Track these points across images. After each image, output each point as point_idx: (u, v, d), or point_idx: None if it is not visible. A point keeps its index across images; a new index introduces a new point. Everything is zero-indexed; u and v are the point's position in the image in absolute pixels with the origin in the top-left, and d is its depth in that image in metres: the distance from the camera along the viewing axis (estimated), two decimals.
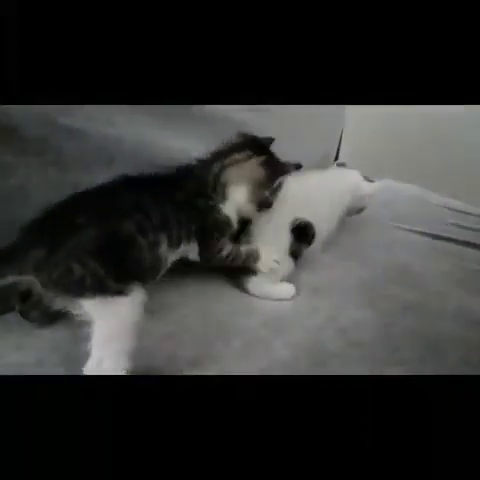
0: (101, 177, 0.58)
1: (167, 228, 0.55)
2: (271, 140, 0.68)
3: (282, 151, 0.90)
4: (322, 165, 1.12)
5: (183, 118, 0.73)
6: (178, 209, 0.56)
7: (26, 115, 0.56)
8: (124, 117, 0.65)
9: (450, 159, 1.75)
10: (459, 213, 1.15)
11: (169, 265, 0.58)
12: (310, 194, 0.75)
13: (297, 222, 0.70)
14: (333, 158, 1.33)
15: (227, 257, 0.62)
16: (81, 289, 0.45)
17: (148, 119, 0.69)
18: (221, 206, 0.61)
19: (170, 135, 0.72)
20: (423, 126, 1.81)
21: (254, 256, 0.66)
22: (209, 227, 0.60)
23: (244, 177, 0.61)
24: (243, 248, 0.66)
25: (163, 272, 0.57)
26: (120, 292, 0.46)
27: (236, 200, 0.62)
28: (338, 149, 1.42)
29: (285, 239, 0.71)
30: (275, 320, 0.66)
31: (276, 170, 0.63)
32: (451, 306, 0.73)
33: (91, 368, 0.45)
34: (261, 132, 0.84)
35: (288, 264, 0.72)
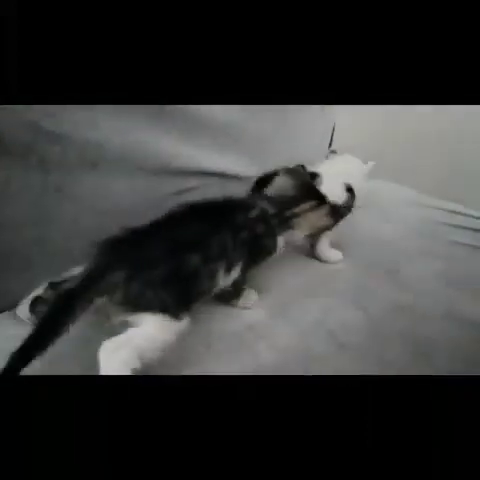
0: (85, 181, 0.57)
1: (225, 255, 0.58)
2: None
3: (273, 149, 0.90)
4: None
5: (171, 119, 0.71)
6: (236, 232, 0.59)
7: (9, 119, 0.54)
8: (109, 120, 0.63)
9: (444, 161, 1.76)
10: (449, 213, 1.14)
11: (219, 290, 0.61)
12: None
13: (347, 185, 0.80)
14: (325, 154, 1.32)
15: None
16: (148, 307, 0.50)
17: (135, 121, 0.66)
18: (278, 238, 0.66)
19: (159, 137, 0.70)
20: (415, 127, 1.82)
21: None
22: (261, 252, 0.65)
23: (311, 226, 0.70)
24: None
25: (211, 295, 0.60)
26: (177, 316, 0.52)
27: (294, 238, 0.69)
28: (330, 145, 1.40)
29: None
30: (261, 324, 0.65)
31: (338, 216, 0.71)
32: (441, 307, 0.72)
33: (109, 346, 0.48)
34: (251, 132, 0.84)
35: None
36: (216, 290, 0.60)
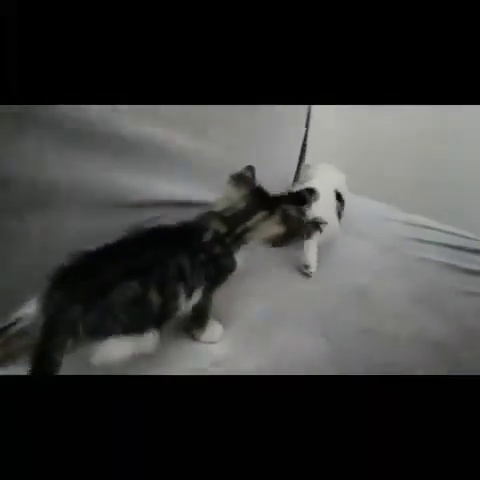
0: (34, 221, 0.56)
1: (183, 278, 0.57)
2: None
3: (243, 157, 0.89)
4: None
5: (123, 152, 0.69)
6: (193, 256, 0.59)
7: None
8: (57, 159, 0.61)
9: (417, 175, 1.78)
10: (420, 228, 1.15)
11: (181, 314, 0.60)
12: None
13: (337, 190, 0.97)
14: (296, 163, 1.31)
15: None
16: (109, 333, 0.50)
17: (84, 157, 0.64)
18: (235, 255, 0.64)
19: (111, 171, 0.68)
20: (387, 142, 1.84)
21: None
22: (220, 272, 0.64)
23: (265, 237, 0.66)
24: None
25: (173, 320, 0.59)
26: (141, 333, 0.53)
27: (250, 251, 0.66)
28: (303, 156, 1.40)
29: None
30: (225, 359, 0.63)
31: (293, 224, 0.65)
32: (406, 328, 0.71)
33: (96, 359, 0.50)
34: (208, 159, 0.83)
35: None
36: (180, 314, 0.59)
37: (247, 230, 0.64)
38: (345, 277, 0.87)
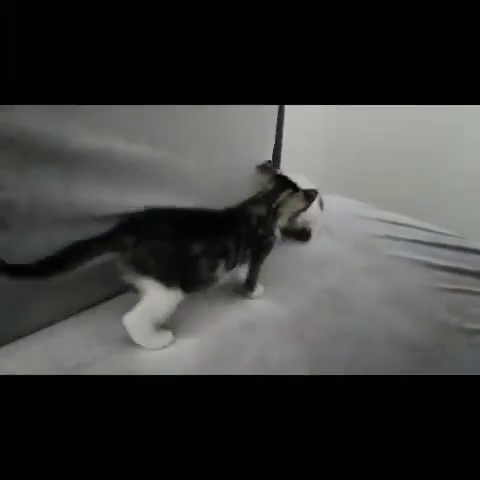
0: None
1: (226, 255, 0.69)
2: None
3: (203, 183, 0.88)
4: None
5: (88, 166, 0.67)
6: (239, 239, 0.71)
7: None
8: (15, 178, 0.59)
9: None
10: (392, 225, 1.17)
11: (221, 283, 0.72)
12: None
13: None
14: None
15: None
16: (148, 272, 0.61)
17: (45, 175, 0.62)
18: (275, 230, 0.79)
19: (76, 186, 0.66)
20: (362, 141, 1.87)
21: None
22: (264, 249, 0.77)
23: (293, 209, 0.80)
24: None
25: (214, 287, 0.71)
26: (169, 286, 0.63)
27: (285, 224, 0.80)
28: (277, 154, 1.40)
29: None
30: (200, 366, 0.62)
31: (310, 199, 0.80)
32: (380, 330, 0.72)
33: (128, 321, 0.63)
34: (177, 170, 0.82)
35: None
36: (219, 284, 0.71)
37: (279, 205, 0.77)
38: (319, 278, 0.87)
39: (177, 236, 0.64)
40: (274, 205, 0.77)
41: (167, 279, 0.62)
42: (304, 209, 0.80)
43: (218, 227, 0.70)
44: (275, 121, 1.23)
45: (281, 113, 1.30)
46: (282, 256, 0.80)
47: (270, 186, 0.79)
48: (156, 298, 0.63)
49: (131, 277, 0.63)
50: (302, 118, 1.56)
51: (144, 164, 0.74)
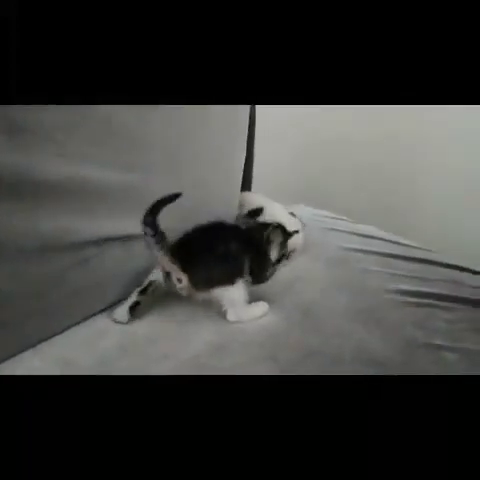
0: None
1: (245, 250, 0.80)
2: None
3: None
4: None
5: (54, 194, 0.66)
6: (248, 253, 0.81)
7: None
8: None
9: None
10: (364, 238, 1.19)
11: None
12: None
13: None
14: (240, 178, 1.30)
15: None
16: (212, 285, 0.75)
17: (9, 207, 0.61)
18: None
19: (41, 215, 0.65)
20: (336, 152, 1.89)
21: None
22: (264, 264, 0.87)
23: (278, 239, 0.89)
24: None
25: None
26: (232, 282, 0.76)
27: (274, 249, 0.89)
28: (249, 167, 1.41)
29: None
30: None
31: (286, 235, 0.91)
32: (349, 347, 0.73)
33: (230, 316, 0.79)
34: (147, 193, 0.82)
35: None
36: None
37: (269, 235, 0.88)
38: (290, 296, 0.88)
39: (220, 242, 0.76)
40: (268, 232, 0.87)
41: (230, 280, 0.76)
42: (284, 242, 0.91)
43: (236, 230, 0.85)
44: (246, 132, 1.23)
45: (252, 126, 1.31)
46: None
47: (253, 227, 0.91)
48: (231, 295, 0.76)
49: (200, 295, 0.76)
50: (272, 127, 1.57)
51: (113, 188, 0.74)
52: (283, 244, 0.91)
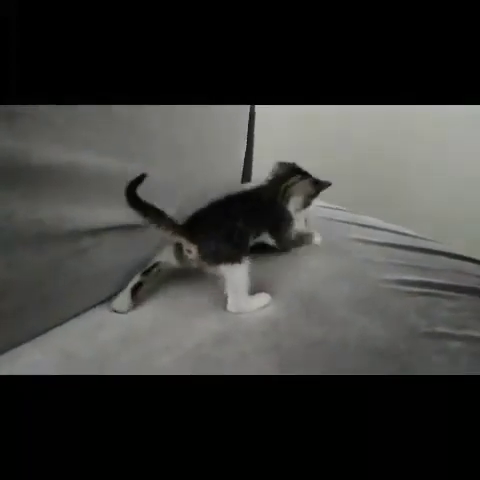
0: None
1: (252, 225, 0.84)
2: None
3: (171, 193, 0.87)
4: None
5: (49, 183, 0.65)
6: (261, 212, 0.88)
7: None
8: None
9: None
10: (365, 228, 1.18)
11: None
12: None
13: None
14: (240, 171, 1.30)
15: (292, 240, 0.97)
16: (221, 260, 0.76)
17: (6, 194, 0.59)
18: (287, 208, 0.93)
19: (37, 204, 0.64)
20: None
21: (307, 238, 1.02)
22: (281, 221, 0.93)
23: (301, 192, 0.94)
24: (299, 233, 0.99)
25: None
26: (239, 261, 0.77)
27: (295, 204, 0.94)
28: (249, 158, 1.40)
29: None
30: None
31: (318, 187, 0.96)
32: (352, 335, 0.72)
33: (231, 307, 0.78)
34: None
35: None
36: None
37: (288, 186, 0.93)
38: (291, 286, 0.87)
39: (228, 220, 0.79)
40: (282, 188, 0.93)
41: (238, 258, 0.76)
42: (314, 195, 0.95)
43: (245, 204, 0.86)
44: (246, 126, 1.23)
45: (252, 118, 1.30)
46: (253, 265, 0.80)
47: (281, 172, 0.95)
48: (237, 276, 0.77)
49: (209, 268, 0.77)
50: (272, 120, 1.56)
51: (112, 177, 0.73)
52: (313, 196, 0.95)
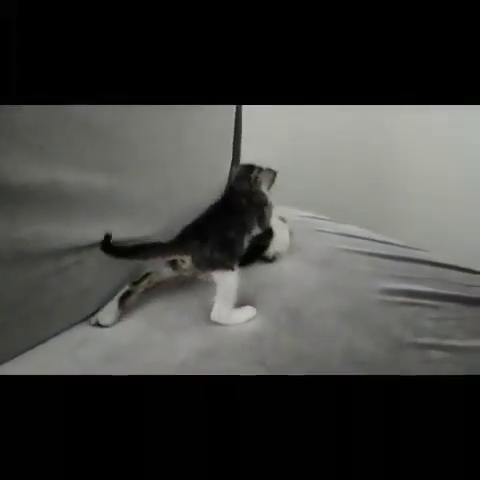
0: None
1: (243, 230, 0.88)
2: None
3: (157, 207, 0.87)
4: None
5: (32, 202, 0.64)
6: (244, 212, 0.92)
7: None
8: None
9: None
10: (352, 238, 1.19)
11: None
12: None
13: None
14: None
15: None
16: (214, 267, 0.78)
17: None
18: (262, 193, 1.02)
19: (18, 223, 0.63)
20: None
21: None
22: (262, 206, 0.98)
23: (266, 178, 1.05)
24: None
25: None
26: (232, 268, 0.79)
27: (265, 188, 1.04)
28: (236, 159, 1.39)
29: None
30: None
31: (273, 173, 1.07)
32: (337, 349, 0.72)
33: (214, 314, 0.78)
34: (130, 196, 0.81)
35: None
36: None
37: (257, 176, 1.02)
38: (278, 300, 0.87)
39: (221, 229, 0.82)
40: (253, 177, 1.02)
41: (230, 265, 0.79)
42: (273, 179, 1.06)
43: (232, 210, 0.91)
44: (232, 131, 1.23)
45: (238, 122, 1.30)
46: (241, 278, 0.80)
47: (242, 169, 1.05)
48: (228, 283, 0.78)
49: (202, 275, 0.80)
50: (258, 123, 1.56)
51: (94, 192, 0.72)
52: (273, 180, 1.06)
